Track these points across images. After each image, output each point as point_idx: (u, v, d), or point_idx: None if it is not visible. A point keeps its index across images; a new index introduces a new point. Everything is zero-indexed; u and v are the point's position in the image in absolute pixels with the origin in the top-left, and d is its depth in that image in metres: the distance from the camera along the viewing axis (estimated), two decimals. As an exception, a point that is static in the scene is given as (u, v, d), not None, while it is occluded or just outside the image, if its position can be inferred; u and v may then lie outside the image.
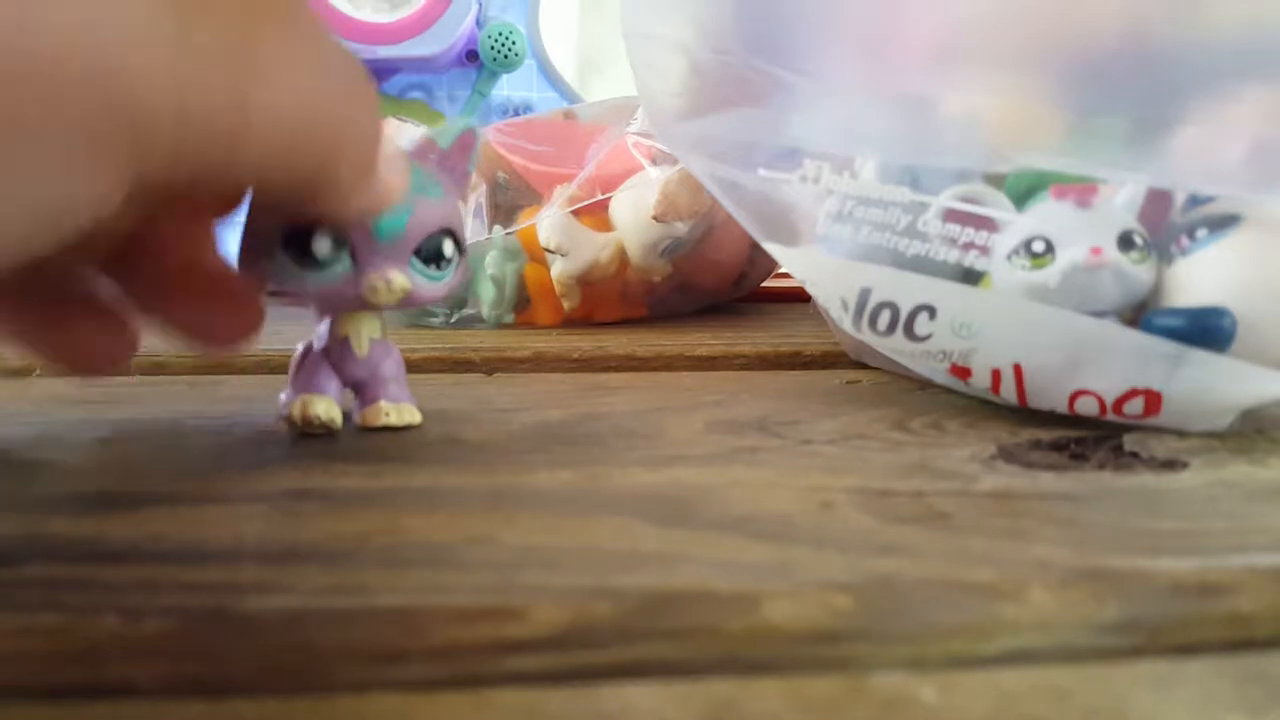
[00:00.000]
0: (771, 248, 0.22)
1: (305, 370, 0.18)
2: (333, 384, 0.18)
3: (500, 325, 0.33)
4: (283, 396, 0.18)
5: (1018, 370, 0.18)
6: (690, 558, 0.12)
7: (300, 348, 0.18)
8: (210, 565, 0.12)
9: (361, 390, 0.18)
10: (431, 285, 0.17)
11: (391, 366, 0.18)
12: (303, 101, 0.12)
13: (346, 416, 0.18)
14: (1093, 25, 0.18)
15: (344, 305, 0.17)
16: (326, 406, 0.17)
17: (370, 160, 0.14)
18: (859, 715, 0.10)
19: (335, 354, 0.18)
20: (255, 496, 0.14)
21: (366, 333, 0.18)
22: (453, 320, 0.33)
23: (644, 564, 0.11)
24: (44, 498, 0.14)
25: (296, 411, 0.17)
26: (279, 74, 0.11)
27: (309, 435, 0.17)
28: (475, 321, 0.33)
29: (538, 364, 0.26)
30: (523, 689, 0.10)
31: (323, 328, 0.18)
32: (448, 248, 0.17)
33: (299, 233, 0.15)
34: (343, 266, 0.16)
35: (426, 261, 0.16)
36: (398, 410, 0.18)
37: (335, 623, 0.10)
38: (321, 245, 0.15)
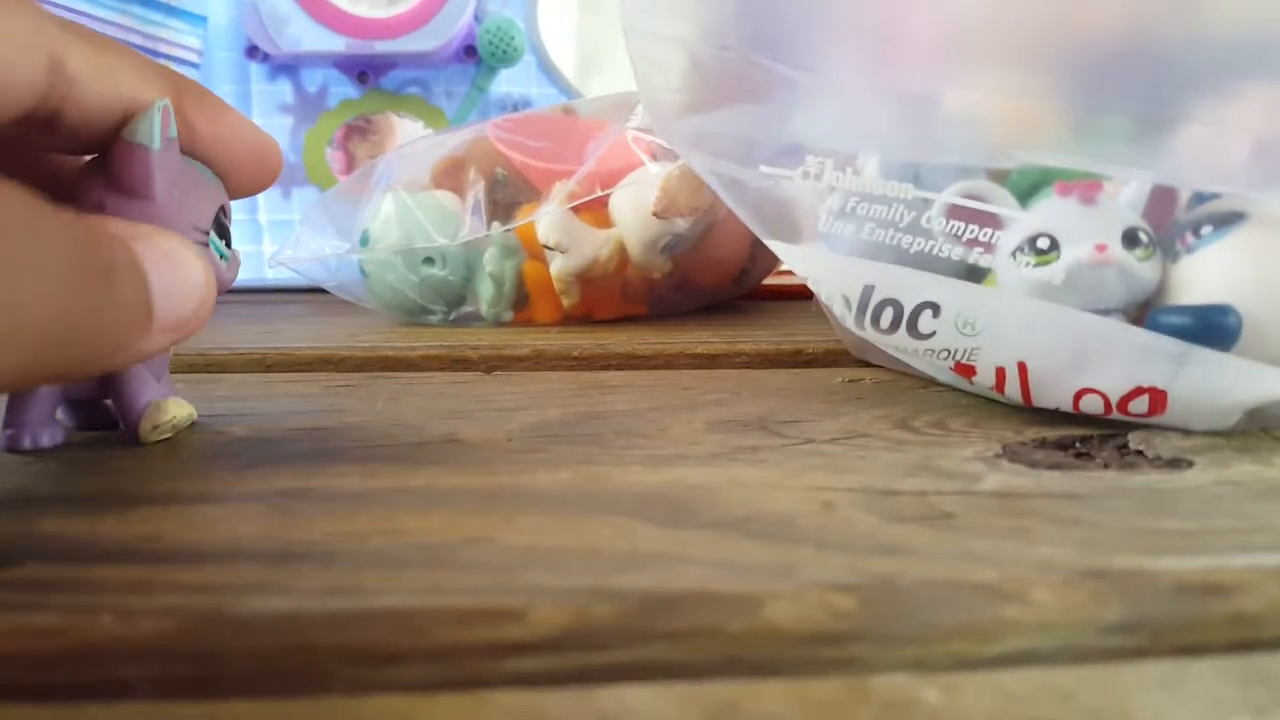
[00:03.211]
0: (774, 245, 0.21)
1: (127, 377, 0.17)
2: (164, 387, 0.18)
3: (499, 323, 0.32)
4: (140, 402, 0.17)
5: (1022, 368, 0.18)
6: (691, 558, 0.12)
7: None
8: (206, 565, 0.11)
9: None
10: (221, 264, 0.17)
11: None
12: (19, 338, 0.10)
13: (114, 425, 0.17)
14: (1096, 22, 0.18)
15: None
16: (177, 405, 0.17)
17: (116, 355, 0.13)
18: (861, 717, 0.09)
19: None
20: (252, 496, 0.14)
21: None
22: (451, 318, 0.33)
23: (644, 564, 0.11)
24: (38, 497, 0.14)
25: (165, 416, 0.17)
26: None
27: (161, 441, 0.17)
28: (473, 319, 0.33)
29: (537, 362, 0.26)
30: (522, 691, 0.10)
31: None
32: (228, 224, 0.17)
33: (221, 211, 0.16)
34: (227, 241, 0.17)
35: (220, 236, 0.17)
36: (177, 404, 0.18)
37: (333, 624, 0.10)
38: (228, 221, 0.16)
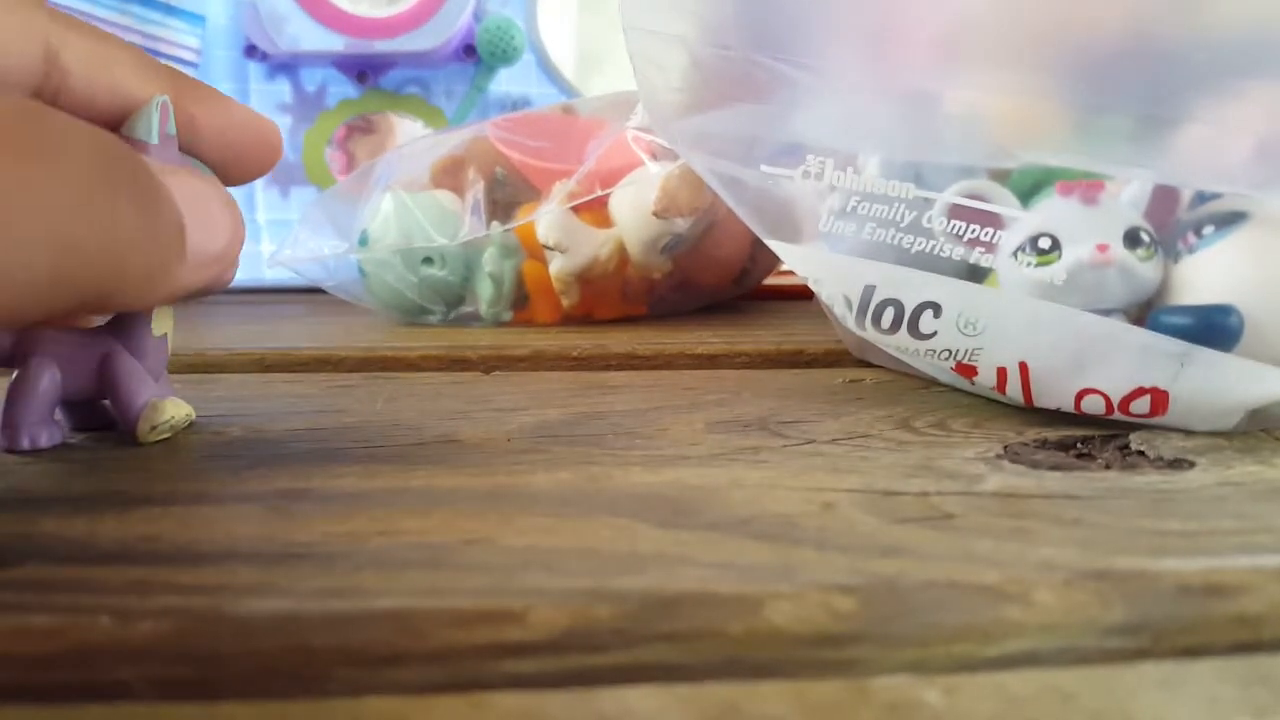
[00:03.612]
0: (774, 245, 0.21)
1: (126, 373, 0.17)
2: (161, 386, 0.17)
3: (498, 323, 0.32)
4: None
5: (1023, 368, 0.18)
6: (691, 559, 0.11)
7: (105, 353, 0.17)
8: (205, 566, 0.11)
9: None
10: None
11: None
12: (47, 240, 0.10)
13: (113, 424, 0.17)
14: (1098, 21, 0.18)
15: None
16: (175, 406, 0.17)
17: (155, 278, 0.13)
18: (862, 718, 0.09)
19: (157, 353, 0.17)
20: (249, 497, 0.14)
21: (163, 328, 0.18)
22: (450, 318, 0.33)
23: (644, 565, 0.11)
24: (37, 498, 0.14)
25: (162, 416, 0.17)
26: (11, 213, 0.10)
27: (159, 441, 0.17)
28: (473, 319, 0.33)
29: (536, 362, 0.26)
30: (521, 692, 0.10)
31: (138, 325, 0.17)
32: None
33: None
34: None
35: None
36: (174, 404, 0.18)
37: (331, 625, 0.10)
38: None
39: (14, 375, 0.16)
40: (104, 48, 0.15)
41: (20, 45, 0.13)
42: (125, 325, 0.17)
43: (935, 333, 0.19)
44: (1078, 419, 0.18)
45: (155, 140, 0.15)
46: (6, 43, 0.13)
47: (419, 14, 0.44)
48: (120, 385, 0.17)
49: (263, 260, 0.47)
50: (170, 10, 0.44)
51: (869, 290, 0.20)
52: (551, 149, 0.33)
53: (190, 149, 0.16)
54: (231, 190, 0.16)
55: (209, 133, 0.16)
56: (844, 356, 0.26)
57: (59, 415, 0.17)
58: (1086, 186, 0.18)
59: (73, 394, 0.17)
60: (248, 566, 0.11)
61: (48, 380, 0.16)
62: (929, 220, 0.19)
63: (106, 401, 0.17)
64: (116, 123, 0.15)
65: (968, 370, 0.19)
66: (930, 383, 0.22)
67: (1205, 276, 0.18)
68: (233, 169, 0.17)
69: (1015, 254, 0.19)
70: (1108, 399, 0.17)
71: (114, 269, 0.12)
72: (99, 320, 0.17)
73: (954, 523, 0.13)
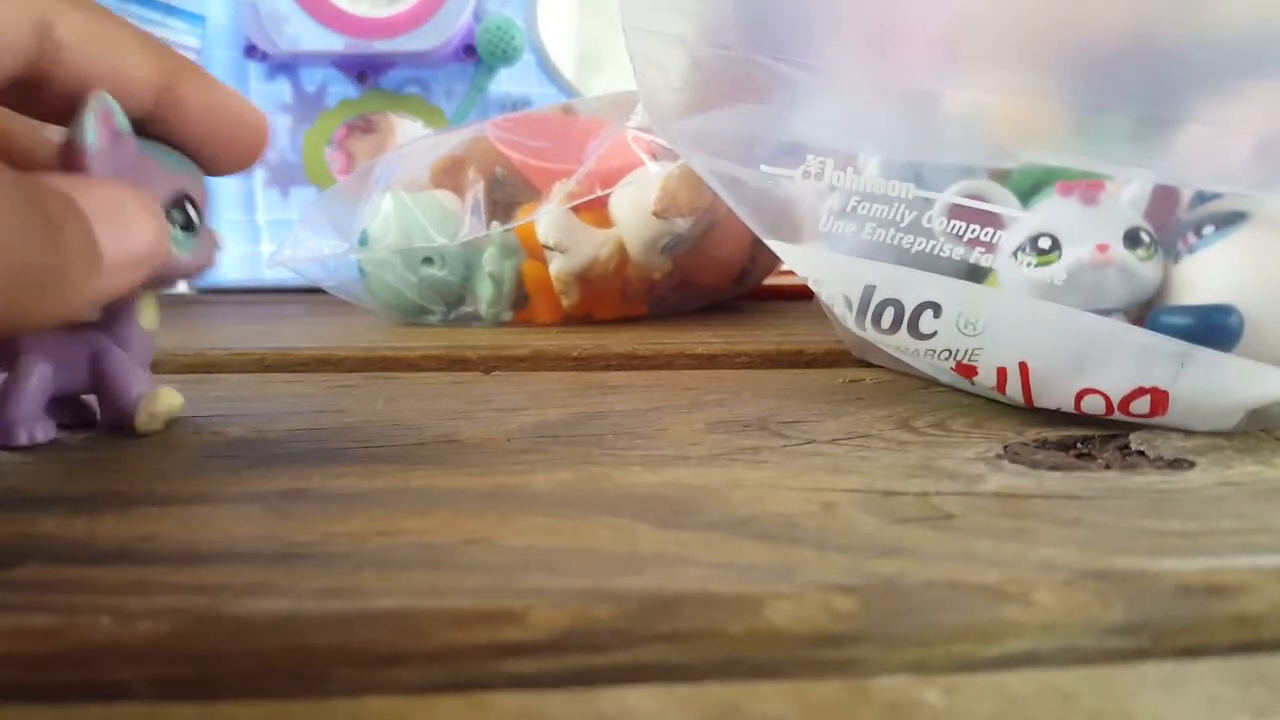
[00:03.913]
0: (774, 245, 0.21)
1: (128, 366, 0.17)
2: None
3: (498, 323, 0.32)
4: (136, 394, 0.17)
5: (1023, 369, 0.18)
6: (691, 559, 0.11)
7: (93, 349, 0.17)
8: (204, 566, 0.11)
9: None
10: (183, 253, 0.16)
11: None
12: None
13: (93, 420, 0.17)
14: (1098, 21, 0.18)
15: (197, 275, 0.17)
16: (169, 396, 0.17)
17: (64, 290, 0.13)
18: (862, 718, 0.09)
19: (140, 344, 0.17)
20: (249, 497, 0.14)
21: (149, 323, 0.18)
22: (450, 318, 0.33)
23: (644, 566, 0.11)
24: (36, 498, 0.14)
25: (160, 405, 0.17)
26: None
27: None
28: (473, 319, 0.33)
29: (536, 362, 0.26)
30: (521, 692, 0.10)
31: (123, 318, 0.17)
32: (192, 212, 0.17)
33: (176, 202, 0.16)
34: (199, 230, 0.16)
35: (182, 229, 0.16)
36: (168, 394, 0.18)
37: (331, 625, 0.10)
38: (192, 211, 0.16)
39: (4, 374, 0.16)
40: (102, 25, 0.15)
41: (10, 15, 0.13)
42: (113, 320, 0.17)
43: (935, 333, 0.19)
44: (1078, 419, 0.18)
45: (91, 141, 0.14)
46: None
47: (419, 14, 0.44)
48: (114, 378, 0.17)
49: (263, 260, 0.47)
50: (170, 10, 0.44)
51: (869, 290, 0.20)
52: (551, 149, 0.33)
53: (177, 131, 0.16)
54: (230, 187, 0.16)
55: (196, 117, 0.16)
56: (844, 356, 0.26)
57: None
58: (1086, 186, 0.18)
59: (63, 389, 0.17)
60: (247, 566, 0.11)
61: (38, 376, 0.16)
62: (929, 220, 0.19)
63: (89, 397, 0.17)
64: (116, 100, 0.15)
65: (968, 370, 0.19)
66: (930, 383, 0.22)
67: (1205, 276, 0.18)
68: (221, 156, 0.17)
69: (1015, 254, 0.19)
70: (1108, 399, 0.17)
71: (32, 298, 0.12)
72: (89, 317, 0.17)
73: (954, 523, 0.13)
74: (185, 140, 0.16)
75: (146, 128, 0.16)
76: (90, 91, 0.15)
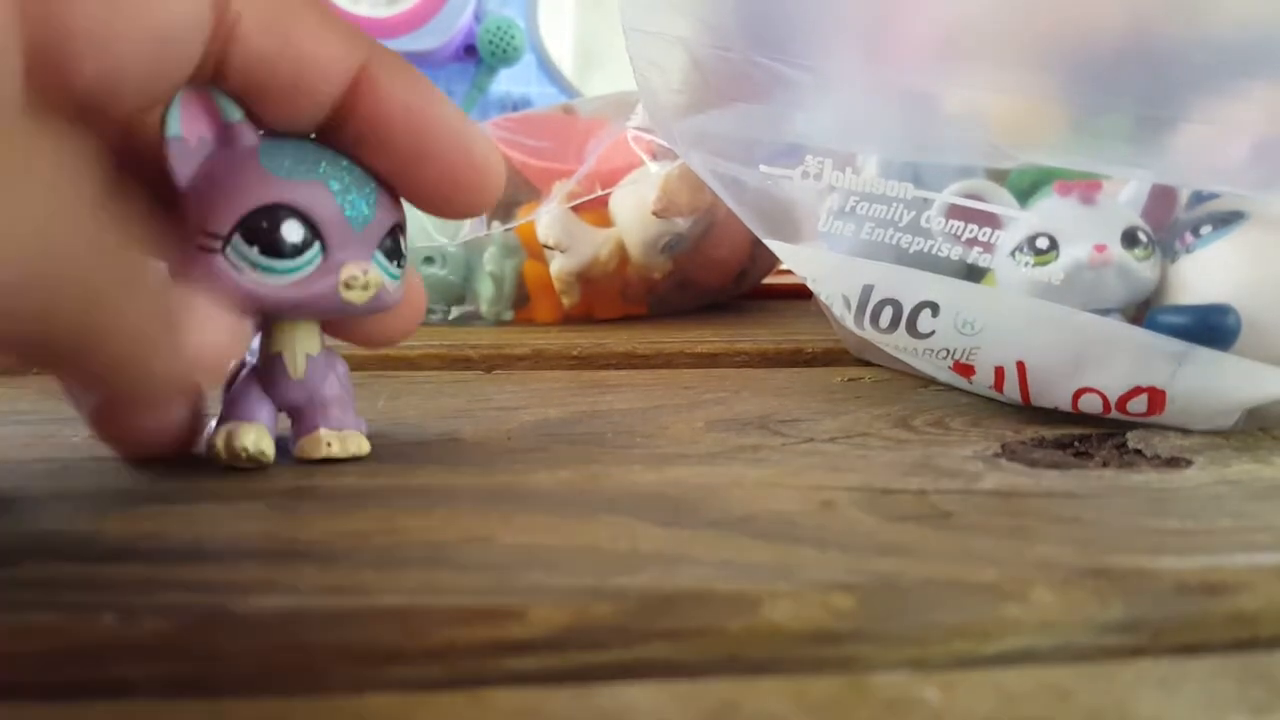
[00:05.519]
0: (773, 245, 0.21)
1: (232, 394, 0.15)
2: (264, 409, 0.15)
3: (499, 322, 0.32)
4: (212, 423, 0.15)
5: (1021, 368, 0.18)
6: (691, 558, 0.12)
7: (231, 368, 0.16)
8: (208, 564, 0.11)
9: (298, 416, 0.15)
10: (394, 285, 0.15)
11: (334, 386, 0.15)
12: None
13: (283, 448, 0.15)
14: (1097, 22, 0.18)
15: (294, 310, 0.14)
16: (256, 436, 0.15)
17: (131, 330, 0.12)
18: (861, 716, 0.09)
19: (267, 375, 0.15)
20: (253, 495, 0.14)
21: (302, 349, 0.15)
22: (451, 317, 0.33)
23: (644, 564, 0.11)
24: (40, 496, 0.14)
25: (221, 442, 0.15)
26: None
27: (236, 469, 0.15)
28: (473, 319, 0.33)
29: (537, 362, 0.26)
30: (522, 690, 0.10)
31: (254, 343, 0.15)
32: (403, 242, 0.15)
33: (260, 215, 0.13)
34: (314, 256, 0.14)
35: (389, 257, 0.15)
36: (340, 439, 0.15)
37: (333, 623, 0.10)
38: (292, 230, 0.13)
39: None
40: (282, 1, 0.13)
41: None
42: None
43: (933, 332, 0.19)
44: (1075, 418, 0.18)
45: (175, 133, 0.13)
46: None
47: (419, 14, 0.44)
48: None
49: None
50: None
51: (867, 290, 0.20)
52: (551, 149, 0.33)
53: (369, 122, 0.14)
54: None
55: (398, 119, 0.14)
56: (843, 355, 0.26)
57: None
58: (1084, 186, 0.18)
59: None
60: (250, 564, 0.11)
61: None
62: (927, 220, 0.19)
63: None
64: (293, 85, 0.13)
65: (965, 369, 0.19)
66: (928, 381, 0.22)
67: (1203, 276, 0.18)
68: (414, 180, 0.14)
69: (1013, 254, 0.19)
70: (1105, 398, 0.17)
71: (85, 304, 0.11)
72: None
73: (952, 521, 0.13)
74: (378, 151, 0.14)
75: (333, 135, 0.14)
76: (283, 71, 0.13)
